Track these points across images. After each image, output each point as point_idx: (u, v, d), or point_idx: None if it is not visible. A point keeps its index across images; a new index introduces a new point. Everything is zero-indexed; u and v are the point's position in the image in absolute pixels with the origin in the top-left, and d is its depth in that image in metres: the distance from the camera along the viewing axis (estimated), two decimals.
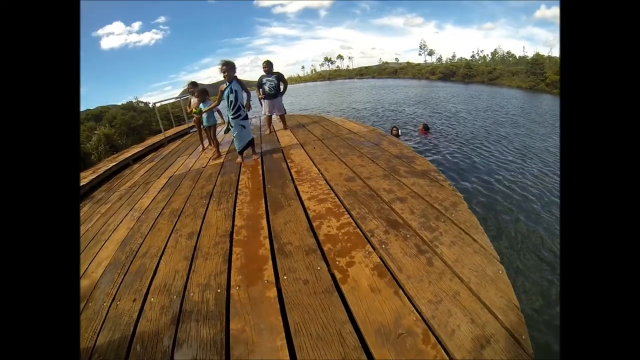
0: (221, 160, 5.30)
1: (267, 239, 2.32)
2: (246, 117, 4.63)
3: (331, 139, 5.27)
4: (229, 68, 4.25)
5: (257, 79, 6.16)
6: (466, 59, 76.90)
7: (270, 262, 2.04)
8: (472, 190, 5.45)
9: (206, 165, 5.18)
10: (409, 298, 1.60)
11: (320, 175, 3.49)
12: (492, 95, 24.32)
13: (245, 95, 4.59)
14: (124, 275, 2.34)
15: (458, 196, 2.59)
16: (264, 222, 2.61)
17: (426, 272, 1.76)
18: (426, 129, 9.76)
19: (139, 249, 2.70)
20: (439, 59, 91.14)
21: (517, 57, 75.29)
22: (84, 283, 2.48)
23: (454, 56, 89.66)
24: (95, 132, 10.56)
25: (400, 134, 8.81)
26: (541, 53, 48.35)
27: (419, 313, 1.52)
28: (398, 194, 2.73)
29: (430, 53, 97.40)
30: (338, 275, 1.81)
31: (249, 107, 4.59)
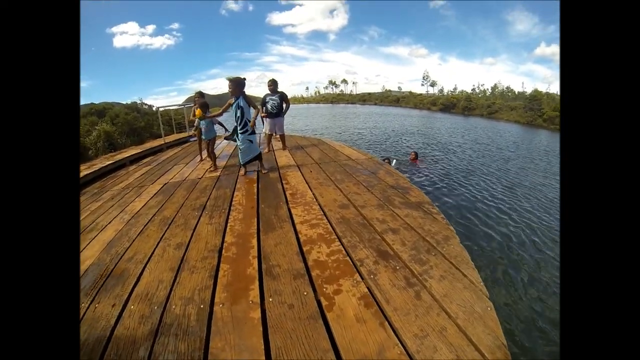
0: (218, 173, 5.31)
1: (256, 258, 2.30)
2: (253, 132, 4.71)
3: (329, 163, 5.31)
4: (234, 85, 4.37)
5: (261, 96, 6.25)
6: (467, 92, 78.54)
7: (257, 283, 2.01)
8: (464, 223, 5.48)
9: (202, 177, 5.18)
10: (394, 331, 1.58)
11: (315, 199, 3.49)
12: (489, 129, 24.74)
13: (252, 111, 4.68)
14: (106, 278, 2.30)
15: (450, 230, 2.59)
16: (255, 241, 2.59)
17: (414, 305, 1.75)
18: (417, 157, 9.90)
19: (124, 253, 2.66)
20: (441, 90, 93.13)
21: (516, 92, 77.02)
22: None
23: (455, 88, 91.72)
24: (96, 127, 10.57)
25: (392, 162, 8.90)
26: (539, 89, 49.66)
27: (404, 347, 1.50)
28: (391, 225, 2.73)
29: (433, 84, 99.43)
30: (324, 302, 1.79)
31: (253, 125, 4.65)
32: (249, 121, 4.59)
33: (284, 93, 6.27)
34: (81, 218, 3.83)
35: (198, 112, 5.16)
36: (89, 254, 2.79)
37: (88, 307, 2.00)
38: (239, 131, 4.61)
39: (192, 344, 1.59)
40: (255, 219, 3.06)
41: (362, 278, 1.99)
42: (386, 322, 1.62)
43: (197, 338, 1.62)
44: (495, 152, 13.70)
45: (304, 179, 4.44)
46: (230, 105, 4.50)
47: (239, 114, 4.48)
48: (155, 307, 1.89)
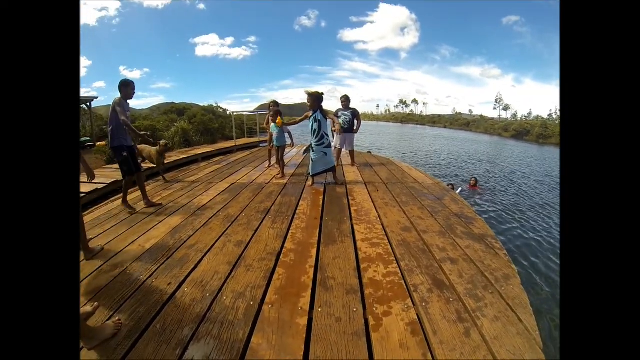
0: (285, 180, 5.48)
1: (313, 268, 2.35)
2: (329, 145, 4.90)
3: (395, 184, 5.28)
4: (312, 99, 4.65)
5: (331, 109, 6.42)
6: (543, 118, 73.23)
7: (309, 291, 2.05)
8: (526, 263, 5.08)
9: (269, 182, 5.38)
10: None
11: (379, 219, 3.49)
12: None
13: (329, 123, 4.97)
14: (167, 259, 2.48)
15: (512, 269, 2.45)
16: (314, 251, 2.64)
17: (461, 342, 1.68)
18: (477, 183, 9.46)
19: (187, 240, 2.86)
20: (514, 115, 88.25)
21: None
22: (130, 248, 2.70)
23: (530, 113, 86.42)
24: (175, 124, 11.50)
25: (458, 190, 8.56)
26: None
27: None
28: (450, 254, 2.66)
29: (506, 108, 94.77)
30: (372, 322, 1.78)
31: (338, 126, 5.32)
32: (326, 135, 4.82)
33: (356, 110, 6.42)
34: (154, 200, 4.21)
35: (279, 120, 5.41)
36: (155, 234, 3.04)
37: (145, 281, 2.17)
38: (314, 144, 4.81)
39: (235, 335, 1.67)
40: (318, 230, 3.12)
41: (414, 304, 1.95)
42: (429, 354, 1.58)
43: (241, 331, 1.70)
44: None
45: (370, 197, 4.45)
46: (308, 117, 4.75)
47: (315, 127, 4.73)
48: (208, 294, 2.01)
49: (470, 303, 1.99)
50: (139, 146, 5.81)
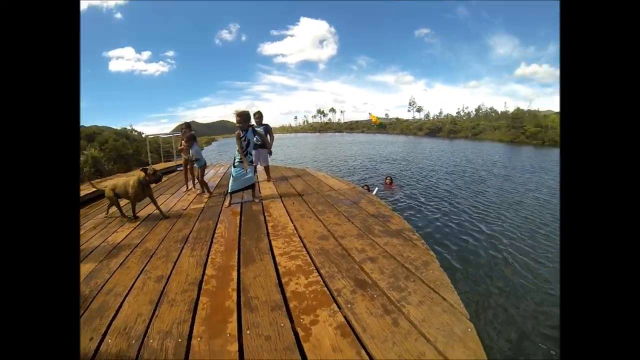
0: (202, 205, 5.33)
1: (235, 291, 2.30)
2: (252, 162, 4.96)
3: (311, 194, 5.36)
4: (242, 119, 4.74)
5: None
6: (452, 116, 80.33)
7: (235, 315, 2.00)
8: (446, 247, 5.51)
9: (186, 208, 5.19)
10: (371, 358, 1.58)
11: (296, 231, 3.51)
12: (470, 150, 25.16)
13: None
14: (85, 311, 2.26)
15: (431, 255, 2.62)
16: (235, 274, 2.59)
17: (391, 332, 1.75)
18: (392, 182, 10.02)
19: (104, 285, 2.63)
20: (427, 115, 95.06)
21: (500, 112, 78.73)
22: None
23: (440, 113, 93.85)
24: (84, 152, 10.53)
25: (374, 191, 8.97)
26: (521, 108, 51.21)
27: None
28: (369, 254, 2.76)
29: (419, 109, 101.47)
30: (301, 333, 1.78)
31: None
32: (250, 153, 4.91)
33: (268, 125, 6.46)
34: None
35: (184, 145, 5.32)
36: None
37: None
38: (237, 161, 4.84)
39: None
40: (236, 252, 3.06)
41: (339, 308, 1.99)
42: (363, 351, 1.62)
43: None
44: (474, 173, 13.99)
45: (286, 210, 4.47)
46: (239, 137, 4.75)
47: (244, 145, 4.76)
48: (133, 341, 1.87)
49: (394, 295, 2.08)
50: (109, 182, 4.89)
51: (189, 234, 3.78)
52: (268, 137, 6.41)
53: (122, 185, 4.59)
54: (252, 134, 4.78)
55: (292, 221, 3.92)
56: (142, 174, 4.46)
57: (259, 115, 6.35)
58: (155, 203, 4.75)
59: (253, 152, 6.31)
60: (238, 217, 4.32)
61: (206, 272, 2.68)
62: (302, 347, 1.69)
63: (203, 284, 2.47)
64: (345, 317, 1.89)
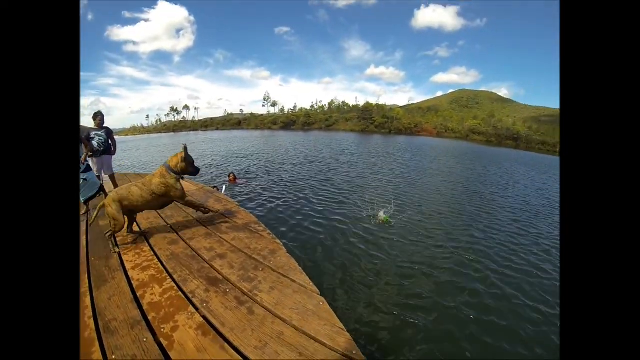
0: None
1: (92, 318, 2.13)
2: (87, 170, 4.47)
3: None
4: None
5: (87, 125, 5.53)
6: (306, 109, 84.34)
7: (97, 344, 1.88)
8: (293, 233, 5.63)
9: None
10: (235, 349, 1.68)
11: (145, 240, 3.36)
12: (321, 140, 26.74)
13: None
14: None
15: (277, 243, 2.83)
16: (88, 300, 2.37)
17: (248, 321, 1.88)
18: (235, 177, 10.24)
19: None
20: (282, 110, 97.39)
21: (351, 105, 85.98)
22: None
23: (295, 107, 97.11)
24: None
25: (222, 189, 8.95)
26: (370, 102, 57.26)
27: None
28: (218, 251, 2.84)
29: (274, 104, 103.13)
30: (165, 343, 1.78)
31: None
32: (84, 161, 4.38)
33: (110, 129, 5.66)
34: None
35: None
36: None
37: None
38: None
39: None
40: (87, 275, 2.79)
41: (197, 308, 2.04)
42: (226, 344, 1.72)
43: None
44: (321, 162, 15.09)
45: (135, 220, 4.19)
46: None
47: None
48: None
49: (246, 286, 2.22)
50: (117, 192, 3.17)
51: None
52: (110, 141, 5.68)
53: (135, 193, 3.16)
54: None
55: (141, 229, 3.70)
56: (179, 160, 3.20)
57: (101, 117, 5.50)
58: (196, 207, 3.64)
59: (94, 159, 5.53)
60: (85, 238, 3.86)
61: None
62: (169, 355, 1.70)
63: None
64: (203, 317, 1.96)
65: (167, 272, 2.59)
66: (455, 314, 3.45)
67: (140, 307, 2.16)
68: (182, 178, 3.30)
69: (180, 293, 2.25)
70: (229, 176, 10.17)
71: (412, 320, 3.24)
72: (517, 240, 5.99)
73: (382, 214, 6.39)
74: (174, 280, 2.44)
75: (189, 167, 3.28)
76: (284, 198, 8.10)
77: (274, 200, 7.87)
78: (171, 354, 1.70)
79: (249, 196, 8.33)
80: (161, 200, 3.28)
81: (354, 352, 1.65)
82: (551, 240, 6.13)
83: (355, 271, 4.28)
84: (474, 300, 3.74)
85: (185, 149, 3.24)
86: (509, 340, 3.11)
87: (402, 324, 3.18)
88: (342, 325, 1.84)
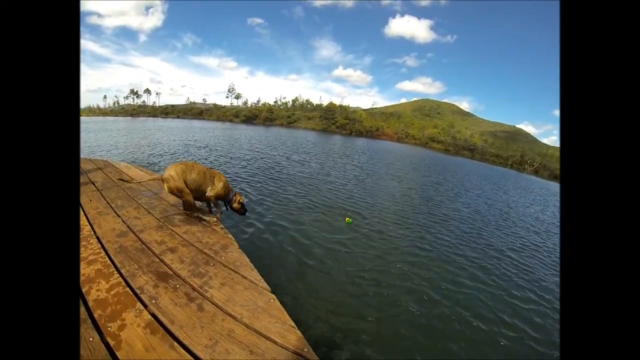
0: None
1: None
2: None
3: (111, 189, 4.87)
4: None
5: None
6: (270, 104, 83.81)
7: None
8: (247, 227, 5.59)
9: None
10: (185, 348, 1.65)
11: (93, 233, 3.17)
12: (278, 138, 26.76)
13: None
14: None
15: (229, 238, 2.81)
16: None
17: (198, 318, 1.85)
18: None
19: None
20: (245, 103, 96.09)
21: (315, 104, 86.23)
22: None
23: (259, 101, 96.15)
24: None
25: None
26: (334, 102, 57.83)
27: None
28: (169, 245, 2.77)
29: (237, 96, 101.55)
30: (112, 343, 1.71)
31: None
32: None
33: None
34: None
35: None
36: None
37: None
38: None
39: None
40: None
41: (145, 305, 1.98)
42: (175, 343, 1.68)
43: None
44: (274, 160, 14.98)
45: (82, 210, 3.98)
46: None
47: None
48: None
49: (196, 281, 2.19)
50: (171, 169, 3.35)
51: None
52: None
53: (197, 176, 3.35)
54: None
55: (89, 221, 3.51)
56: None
57: None
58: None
59: None
60: None
61: None
62: (117, 356, 1.64)
63: None
64: (152, 314, 1.90)
65: (115, 266, 2.48)
66: (403, 314, 3.57)
67: (86, 304, 2.06)
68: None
69: (128, 289, 2.16)
70: None
71: (363, 319, 3.31)
72: (465, 243, 6.39)
73: (346, 216, 6.54)
74: (121, 275, 2.34)
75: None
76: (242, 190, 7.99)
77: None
78: (119, 354, 1.64)
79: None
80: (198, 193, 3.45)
81: (305, 350, 1.67)
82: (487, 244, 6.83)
83: (306, 269, 4.30)
84: (421, 302, 3.88)
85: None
86: (449, 341, 3.25)
87: (354, 322, 3.24)
88: (292, 323, 1.86)
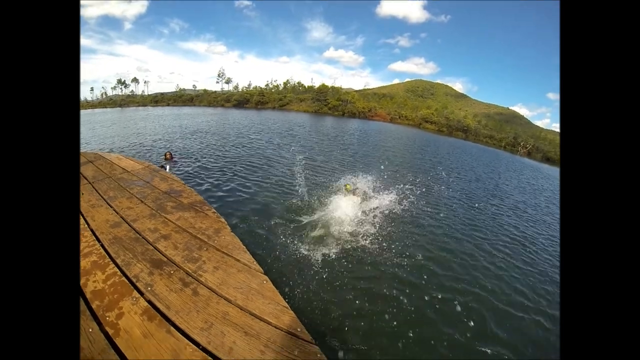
0: None
1: None
2: None
3: (102, 180, 4.85)
4: None
5: None
6: (260, 87, 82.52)
7: None
8: (236, 211, 5.43)
9: None
10: (182, 332, 1.70)
11: (87, 225, 3.18)
12: (268, 120, 26.56)
13: None
14: None
15: (221, 222, 2.82)
16: None
17: (193, 302, 1.90)
18: (172, 156, 10.01)
19: None
20: (236, 87, 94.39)
21: (307, 86, 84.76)
22: None
23: (250, 85, 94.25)
24: None
25: (167, 167, 8.64)
26: (326, 84, 57.03)
27: (195, 343, 1.64)
28: (162, 232, 2.78)
29: (228, 81, 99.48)
30: (110, 331, 1.75)
31: None
32: None
33: None
34: None
35: None
36: None
37: None
38: None
39: None
40: None
41: (141, 293, 2.02)
42: (172, 328, 1.73)
43: None
44: (265, 141, 14.82)
45: None
46: None
47: None
48: None
49: (190, 266, 2.22)
50: None
51: None
52: None
53: None
54: None
55: (82, 214, 3.51)
56: None
57: None
58: None
59: None
60: None
61: None
62: (116, 344, 1.68)
63: None
64: (148, 301, 1.95)
65: (110, 257, 2.51)
66: (394, 297, 3.49)
67: (83, 295, 2.10)
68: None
69: (124, 278, 2.20)
70: (165, 154, 9.87)
71: (356, 301, 3.34)
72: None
73: (346, 184, 6.41)
74: (117, 265, 2.37)
75: None
76: (222, 177, 7.92)
77: (211, 179, 7.68)
78: (118, 342, 1.68)
79: (192, 174, 8.11)
80: None
81: (298, 330, 1.71)
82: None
83: (298, 251, 4.29)
84: (416, 286, 3.84)
85: None
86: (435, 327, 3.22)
87: (347, 303, 3.26)
88: (285, 304, 1.90)
